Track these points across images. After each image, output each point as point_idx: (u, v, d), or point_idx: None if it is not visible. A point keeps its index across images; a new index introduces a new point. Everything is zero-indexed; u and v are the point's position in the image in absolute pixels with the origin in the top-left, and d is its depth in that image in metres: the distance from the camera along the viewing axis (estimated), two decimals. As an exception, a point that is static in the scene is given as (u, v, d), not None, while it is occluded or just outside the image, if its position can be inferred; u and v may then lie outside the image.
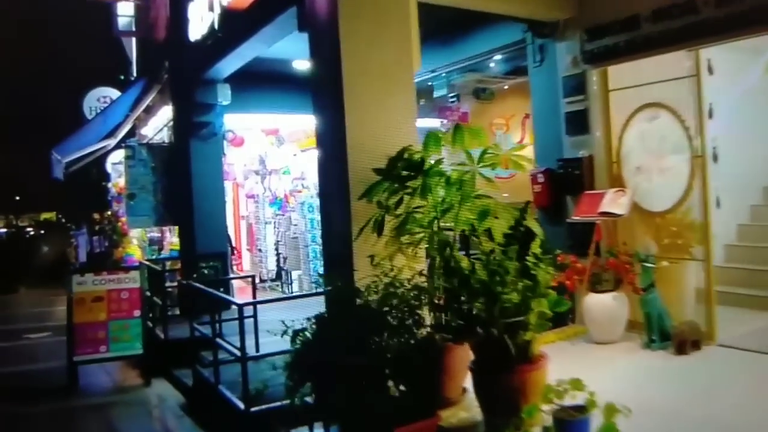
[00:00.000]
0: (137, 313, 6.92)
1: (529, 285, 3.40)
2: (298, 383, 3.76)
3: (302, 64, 9.13)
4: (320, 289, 9.68)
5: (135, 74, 16.36)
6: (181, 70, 8.89)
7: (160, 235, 10.66)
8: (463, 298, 3.45)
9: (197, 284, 6.13)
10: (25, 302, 18.24)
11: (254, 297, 6.58)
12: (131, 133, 13.21)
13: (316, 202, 10.61)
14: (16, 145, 46.58)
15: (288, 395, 3.89)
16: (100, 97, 18.02)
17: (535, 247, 3.75)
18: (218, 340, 5.29)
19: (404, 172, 3.95)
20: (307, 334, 3.85)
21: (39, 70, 52.49)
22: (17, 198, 52.71)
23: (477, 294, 3.41)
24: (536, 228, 3.90)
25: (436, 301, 3.66)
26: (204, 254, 8.78)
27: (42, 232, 48.84)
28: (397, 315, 3.43)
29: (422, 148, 4.00)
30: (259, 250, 12.34)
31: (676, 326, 5.12)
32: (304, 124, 10.60)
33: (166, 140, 10.30)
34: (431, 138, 3.95)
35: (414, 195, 3.88)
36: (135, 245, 11.86)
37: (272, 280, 11.72)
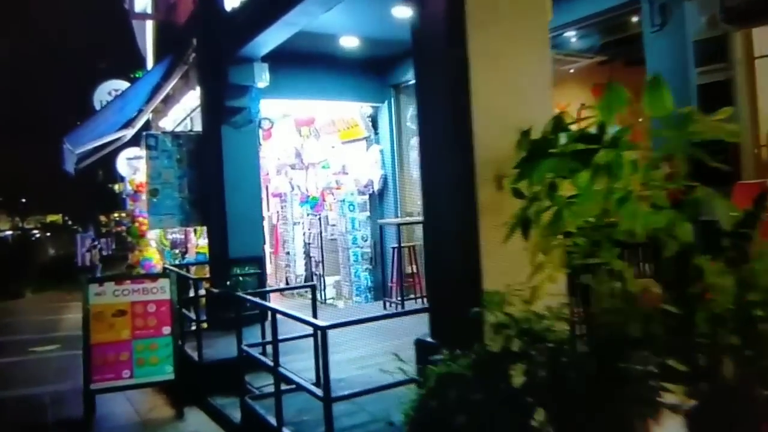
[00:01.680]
0: (167, 330, 5.76)
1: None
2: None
3: (350, 42, 8.00)
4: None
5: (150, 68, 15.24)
6: (212, 48, 7.74)
7: (183, 236, 9.52)
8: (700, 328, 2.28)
9: (248, 297, 4.97)
10: (31, 309, 17.11)
11: (314, 314, 5.40)
12: (146, 126, 12.08)
13: (358, 199, 9.50)
14: (21, 147, 45.59)
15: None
16: (112, 90, 16.89)
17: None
18: (282, 369, 4.13)
19: (575, 146, 2.79)
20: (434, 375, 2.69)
21: (44, 68, 51.52)
22: (23, 200, 51.85)
23: (722, 321, 2.25)
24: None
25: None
26: (238, 259, 7.64)
27: (47, 234, 48.11)
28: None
29: (599, 111, 2.84)
30: (287, 253, 11.22)
31: None
32: (345, 112, 9.47)
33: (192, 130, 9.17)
34: (613, 96, 2.78)
35: (594, 175, 2.71)
36: (153, 248, 10.72)
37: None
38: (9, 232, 49.42)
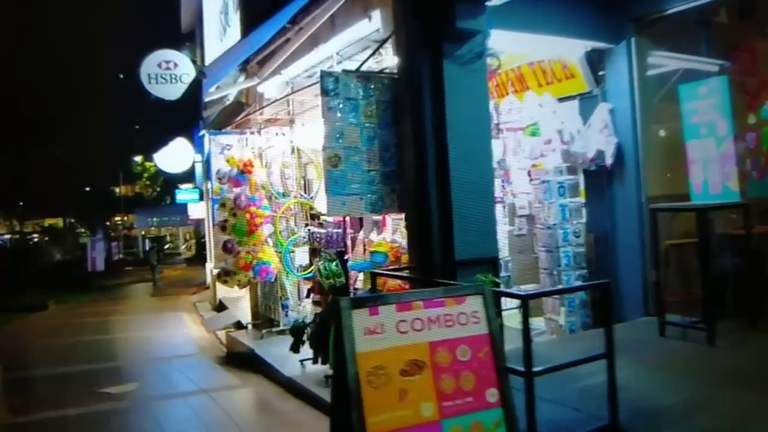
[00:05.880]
0: (493, 394, 3.09)
1: None
2: None
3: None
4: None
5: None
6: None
7: (340, 229, 6.76)
8: None
9: None
10: (64, 325, 14.19)
11: None
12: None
13: (567, 179, 6.89)
14: (19, 149, 42.46)
15: None
16: (162, 61, 14.13)
17: None
18: None
19: None
20: None
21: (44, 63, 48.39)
22: (21, 203, 49.05)
23: None
24: None
25: None
26: (469, 261, 5.02)
27: (46, 238, 45.24)
28: None
29: None
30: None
31: None
32: (554, 56, 6.86)
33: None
34: None
35: None
36: (271, 249, 7.97)
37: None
38: (7, 236, 46.66)
